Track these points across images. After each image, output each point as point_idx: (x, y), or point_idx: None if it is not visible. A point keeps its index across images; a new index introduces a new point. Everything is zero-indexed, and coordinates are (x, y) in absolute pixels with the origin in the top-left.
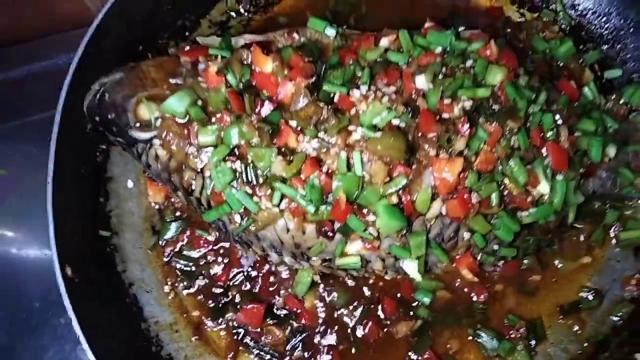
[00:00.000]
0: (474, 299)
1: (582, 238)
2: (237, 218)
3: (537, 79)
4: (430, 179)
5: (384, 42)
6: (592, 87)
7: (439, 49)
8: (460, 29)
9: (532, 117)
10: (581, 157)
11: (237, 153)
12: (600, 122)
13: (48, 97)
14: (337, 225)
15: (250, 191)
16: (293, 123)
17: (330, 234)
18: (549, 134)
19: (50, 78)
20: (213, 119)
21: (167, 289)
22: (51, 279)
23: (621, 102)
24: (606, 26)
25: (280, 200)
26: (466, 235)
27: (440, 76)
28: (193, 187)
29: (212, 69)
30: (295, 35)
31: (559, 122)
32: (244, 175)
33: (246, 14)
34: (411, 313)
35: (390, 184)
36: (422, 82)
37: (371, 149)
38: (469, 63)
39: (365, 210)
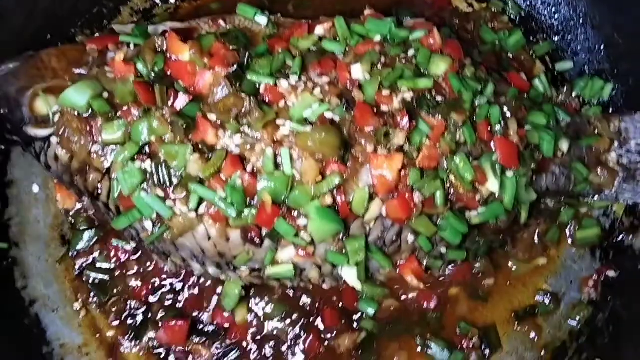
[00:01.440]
0: (424, 306)
1: (536, 238)
2: (149, 225)
3: (484, 70)
4: (367, 178)
5: (319, 30)
6: (543, 79)
7: (378, 38)
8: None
9: (478, 110)
10: (532, 152)
11: (147, 151)
12: (552, 116)
13: None
14: (265, 231)
15: (162, 194)
16: (212, 117)
17: (257, 240)
18: (497, 127)
19: None
20: (119, 113)
21: (77, 306)
22: None
23: (573, 95)
24: (556, 16)
25: (199, 205)
26: (410, 238)
27: (379, 66)
28: (99, 191)
29: (119, 57)
30: (222, 22)
31: (508, 114)
32: (155, 177)
33: (173, 1)
34: (355, 325)
35: (323, 184)
36: (358, 71)
37: (301, 145)
38: (410, 53)
39: (295, 213)
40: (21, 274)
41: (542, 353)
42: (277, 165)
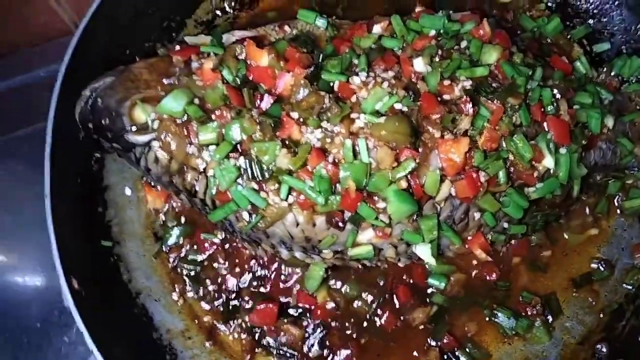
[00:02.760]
0: (487, 278)
1: (587, 210)
2: (245, 215)
3: (530, 56)
4: (437, 161)
5: (377, 28)
6: (584, 61)
7: (432, 32)
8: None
9: (531, 93)
10: (582, 129)
11: (239, 149)
12: (596, 95)
13: (29, 112)
14: (347, 215)
15: (256, 187)
16: (295, 115)
17: (341, 224)
18: (549, 108)
19: (29, 92)
20: (212, 117)
21: (175, 296)
22: (50, 300)
23: (612, 74)
24: (591, 1)
25: (288, 194)
26: (476, 215)
27: (437, 59)
28: (197, 188)
29: (207, 66)
30: (287, 27)
31: (558, 96)
32: (249, 171)
33: (232, 11)
34: (427, 300)
35: (399, 169)
36: (420, 65)
37: (376, 135)
38: (463, 44)
39: (375, 198)
40: (126, 268)
41: (601, 315)
42: (355, 155)
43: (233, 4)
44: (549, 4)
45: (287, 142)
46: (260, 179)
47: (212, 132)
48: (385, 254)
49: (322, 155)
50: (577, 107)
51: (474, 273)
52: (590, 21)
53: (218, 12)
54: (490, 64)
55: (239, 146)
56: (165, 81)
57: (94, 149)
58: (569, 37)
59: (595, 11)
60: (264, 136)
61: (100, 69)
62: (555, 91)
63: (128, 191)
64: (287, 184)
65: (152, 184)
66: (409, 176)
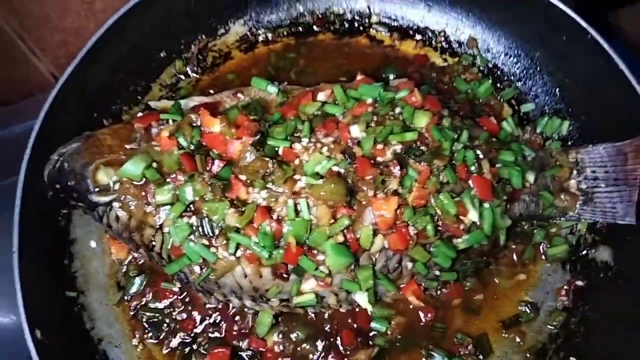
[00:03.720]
0: (424, 319)
1: (515, 257)
2: (197, 269)
3: (459, 119)
4: (370, 217)
5: (321, 96)
6: (510, 121)
7: (369, 100)
8: (391, 77)
9: (456, 154)
10: (504, 185)
11: (192, 208)
12: (519, 152)
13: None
14: (290, 267)
15: (207, 243)
16: (243, 177)
17: (285, 275)
18: (473, 167)
19: (5, 147)
20: (168, 179)
21: (135, 341)
22: (19, 344)
23: (537, 132)
24: (517, 65)
25: (236, 249)
26: (409, 264)
27: (373, 124)
28: (154, 244)
29: (164, 134)
30: (240, 95)
31: (481, 156)
32: (200, 229)
33: (194, 75)
34: (370, 342)
35: (336, 225)
36: (356, 131)
37: (315, 195)
38: (397, 110)
39: (315, 251)
40: (89, 317)
41: (527, 355)
42: (297, 213)
43: (196, 68)
44: (481, 69)
45: (235, 202)
46: (211, 235)
47: (167, 193)
48: (327, 301)
49: (266, 213)
50: (499, 165)
51: (414, 313)
52: (518, 83)
53: (181, 76)
54: (421, 128)
55: (191, 206)
56: (127, 146)
57: (62, 205)
58: (499, 98)
59: (521, 75)
60: (214, 197)
61: (70, 129)
62: (479, 152)
63: (93, 243)
64: (234, 240)
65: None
66: (345, 231)
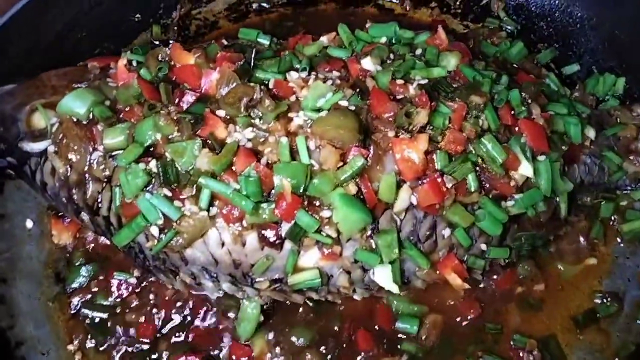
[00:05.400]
0: (467, 317)
1: (581, 239)
2: (155, 231)
3: (493, 67)
4: (392, 164)
5: (323, 39)
6: (554, 79)
7: (383, 39)
8: None
9: (497, 95)
10: (560, 137)
11: (152, 154)
12: (572, 107)
13: None
14: (284, 227)
15: (169, 194)
16: (221, 113)
17: (276, 241)
18: (520, 109)
19: None
20: (122, 115)
21: (71, 348)
22: None
23: (586, 93)
24: (553, 26)
25: (210, 204)
26: (446, 232)
27: (389, 62)
28: (100, 203)
29: (122, 62)
30: (224, 41)
31: (528, 100)
32: (160, 176)
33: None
34: (397, 347)
35: (345, 168)
36: (368, 64)
37: (318, 132)
38: (418, 52)
39: (317, 204)
40: (8, 312)
41: None
42: (293, 157)
43: (176, 36)
44: (510, 30)
45: (209, 142)
46: (175, 184)
47: (120, 133)
48: (336, 283)
49: (252, 155)
50: (552, 113)
51: (451, 311)
52: (555, 45)
53: (158, 44)
54: (450, 71)
55: (152, 150)
56: (75, 86)
57: None
58: (535, 62)
59: (559, 35)
60: (182, 136)
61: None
62: (525, 95)
63: (29, 224)
64: (207, 187)
65: (60, 214)
66: (358, 180)
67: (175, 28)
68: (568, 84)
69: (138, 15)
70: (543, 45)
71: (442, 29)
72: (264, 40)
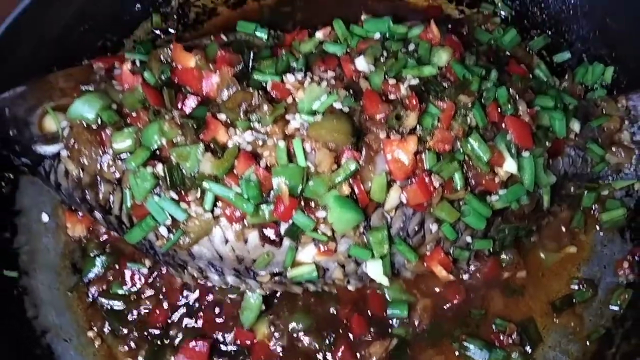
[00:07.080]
0: (455, 301)
1: (562, 227)
2: (164, 231)
3: (484, 60)
4: (383, 165)
5: (319, 34)
6: (543, 68)
7: (377, 35)
8: None
9: (485, 93)
10: (545, 132)
11: (159, 157)
12: (559, 99)
13: None
14: (283, 226)
15: (176, 197)
16: (222, 117)
17: (276, 239)
18: (506, 107)
19: None
20: (129, 121)
21: (91, 334)
22: None
23: (575, 82)
24: (546, 12)
25: (214, 205)
26: (433, 227)
27: (382, 60)
28: (111, 204)
29: (126, 66)
30: (223, 36)
31: (515, 97)
32: (167, 180)
33: (174, 31)
34: (389, 331)
35: (339, 172)
36: (362, 64)
37: (313, 135)
38: (411, 47)
39: (313, 204)
40: (32, 303)
41: (587, 343)
42: (290, 159)
43: (176, 24)
44: (504, 17)
45: (211, 146)
46: (181, 186)
47: (128, 137)
48: (332, 276)
49: (252, 158)
50: (538, 108)
51: (438, 296)
52: (548, 32)
53: (159, 32)
54: (441, 67)
55: (158, 153)
56: (83, 88)
57: (5, 168)
58: (527, 49)
59: (551, 21)
60: (185, 140)
61: (20, 82)
62: (512, 91)
63: (45, 217)
64: (211, 191)
65: (73, 208)
66: (351, 181)
67: (175, 16)
68: (558, 73)
69: (138, 5)
70: (536, 31)
71: (434, 22)
72: (262, 34)
